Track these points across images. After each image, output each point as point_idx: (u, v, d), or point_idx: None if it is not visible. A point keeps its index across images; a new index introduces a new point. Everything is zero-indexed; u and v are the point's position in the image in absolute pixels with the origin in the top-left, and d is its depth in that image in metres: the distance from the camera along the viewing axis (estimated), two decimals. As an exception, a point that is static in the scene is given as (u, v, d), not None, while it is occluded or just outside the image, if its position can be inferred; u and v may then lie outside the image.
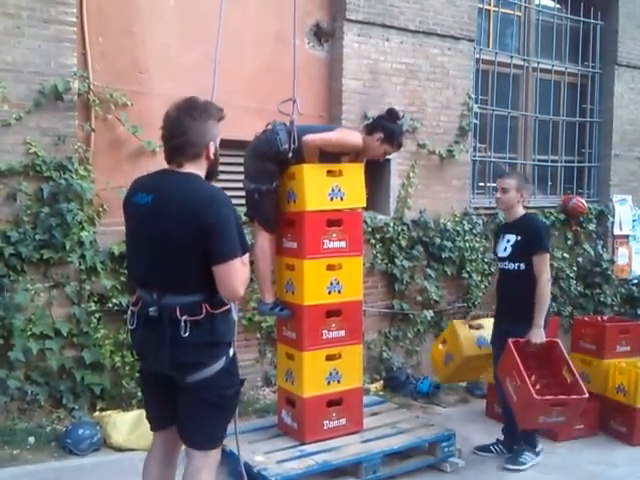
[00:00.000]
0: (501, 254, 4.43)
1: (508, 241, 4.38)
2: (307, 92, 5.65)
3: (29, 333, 4.52)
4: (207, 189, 2.59)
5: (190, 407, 2.62)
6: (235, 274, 2.49)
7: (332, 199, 4.00)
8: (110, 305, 4.81)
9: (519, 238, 4.31)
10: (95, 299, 4.80)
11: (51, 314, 4.65)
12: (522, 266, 4.26)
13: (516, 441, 4.44)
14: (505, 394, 4.17)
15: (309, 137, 3.91)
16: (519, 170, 7.34)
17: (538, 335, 4.16)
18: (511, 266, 4.33)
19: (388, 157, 5.98)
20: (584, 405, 4.11)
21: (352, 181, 4.09)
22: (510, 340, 4.13)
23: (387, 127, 4.10)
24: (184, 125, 2.58)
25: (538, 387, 4.25)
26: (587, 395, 4.02)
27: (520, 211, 4.44)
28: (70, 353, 4.70)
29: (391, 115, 4.16)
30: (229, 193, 5.35)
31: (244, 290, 2.58)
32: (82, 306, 4.72)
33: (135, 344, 2.73)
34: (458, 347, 4.78)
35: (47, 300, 4.65)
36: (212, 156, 2.66)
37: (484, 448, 4.56)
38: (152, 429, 2.85)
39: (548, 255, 4.29)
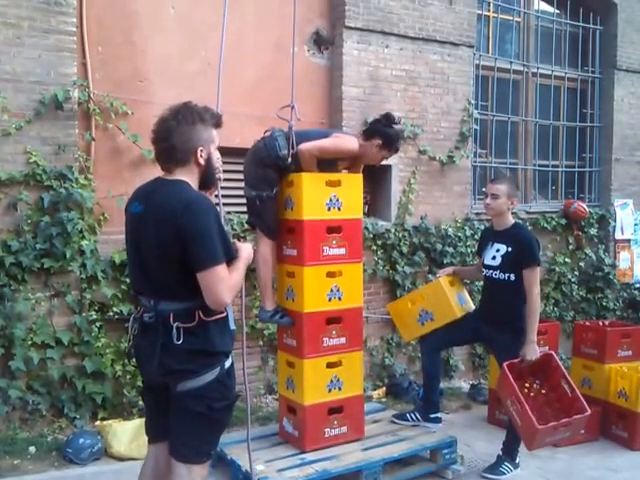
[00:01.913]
0: (489, 262, 4.36)
1: (498, 250, 4.31)
2: (308, 99, 5.68)
3: (30, 342, 4.52)
4: (185, 195, 2.50)
5: (178, 416, 2.59)
6: (217, 282, 2.43)
7: (329, 209, 3.99)
8: (111, 314, 4.82)
9: (509, 249, 4.24)
10: (96, 308, 4.81)
11: (52, 323, 4.66)
12: (512, 277, 4.22)
13: (430, 410, 4.51)
14: (509, 415, 4.14)
15: (304, 146, 3.88)
16: (520, 175, 7.37)
17: (533, 351, 4.13)
18: (501, 276, 4.28)
19: (389, 163, 6.07)
20: (586, 421, 4.07)
21: (350, 192, 4.08)
22: (505, 364, 4.11)
23: (385, 133, 4.09)
24: (168, 129, 2.55)
25: (532, 394, 4.26)
26: (589, 412, 4.00)
27: (510, 220, 4.37)
28: (71, 362, 4.71)
29: (388, 120, 4.14)
30: (231, 200, 5.37)
31: (231, 298, 2.50)
32: (83, 315, 4.73)
33: (133, 350, 2.72)
34: (447, 309, 4.47)
35: (48, 309, 4.65)
36: (202, 162, 2.59)
37: (401, 416, 4.57)
38: (148, 441, 2.83)
39: (539, 269, 4.23)
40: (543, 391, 4.31)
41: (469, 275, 5.06)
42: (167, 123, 2.56)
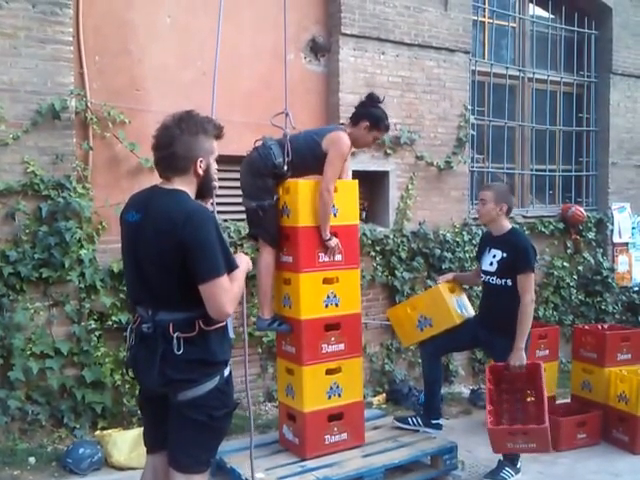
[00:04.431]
0: (486, 267, 4.38)
1: (494, 256, 4.32)
2: (304, 106, 5.69)
3: (29, 352, 4.52)
4: (186, 205, 2.51)
5: (178, 426, 2.57)
6: (220, 293, 2.43)
7: None
8: (110, 323, 4.82)
9: (505, 255, 4.25)
10: (95, 317, 4.80)
11: (51, 333, 4.65)
12: (509, 282, 4.23)
13: (432, 416, 4.53)
14: None
15: (324, 187, 3.88)
16: (517, 180, 7.38)
17: (519, 358, 4.13)
18: (498, 281, 4.29)
19: (386, 169, 6.09)
20: (547, 434, 3.99)
21: (347, 198, 4.10)
22: (487, 366, 4.15)
23: (371, 114, 4.09)
24: (171, 137, 2.54)
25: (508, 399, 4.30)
26: (546, 425, 3.95)
27: (505, 225, 4.38)
28: (70, 372, 4.70)
29: (372, 100, 4.14)
30: (229, 208, 5.35)
31: (232, 309, 2.51)
32: (82, 324, 4.72)
33: (130, 361, 2.70)
34: (445, 315, 4.46)
35: (47, 319, 4.65)
36: (201, 172, 2.59)
37: (403, 419, 4.57)
38: (147, 451, 2.82)
39: (533, 275, 4.23)
40: (531, 399, 4.30)
41: (468, 280, 5.07)
42: (170, 131, 2.55)
